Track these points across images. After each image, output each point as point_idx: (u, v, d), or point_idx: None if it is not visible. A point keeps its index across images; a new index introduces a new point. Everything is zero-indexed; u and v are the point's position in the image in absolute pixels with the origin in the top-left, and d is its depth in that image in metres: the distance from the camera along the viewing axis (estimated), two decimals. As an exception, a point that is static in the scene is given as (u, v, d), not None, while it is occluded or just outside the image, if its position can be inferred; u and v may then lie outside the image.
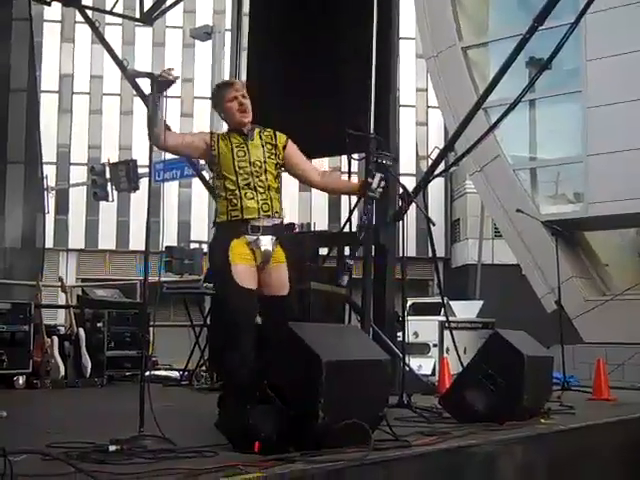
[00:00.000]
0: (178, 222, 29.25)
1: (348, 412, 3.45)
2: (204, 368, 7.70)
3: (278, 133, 4.53)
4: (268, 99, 8.62)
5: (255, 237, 4.16)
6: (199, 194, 27.14)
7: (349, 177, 8.54)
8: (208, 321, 7.89)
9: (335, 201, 26.89)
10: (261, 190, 4.23)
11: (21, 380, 7.27)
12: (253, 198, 4.18)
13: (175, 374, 8.29)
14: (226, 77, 13.55)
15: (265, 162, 4.31)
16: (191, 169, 15.13)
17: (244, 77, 9.52)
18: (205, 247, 14.44)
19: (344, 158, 10.98)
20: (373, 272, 7.44)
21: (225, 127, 4.55)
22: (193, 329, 8.04)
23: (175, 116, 29.26)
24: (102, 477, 2.60)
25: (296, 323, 3.65)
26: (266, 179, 4.27)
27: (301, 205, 28.06)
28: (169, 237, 27.08)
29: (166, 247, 15.70)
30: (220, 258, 4.15)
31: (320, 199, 27.79)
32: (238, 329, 4.06)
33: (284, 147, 4.45)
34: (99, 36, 12.24)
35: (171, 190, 28.53)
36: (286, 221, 9.23)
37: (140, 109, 25.27)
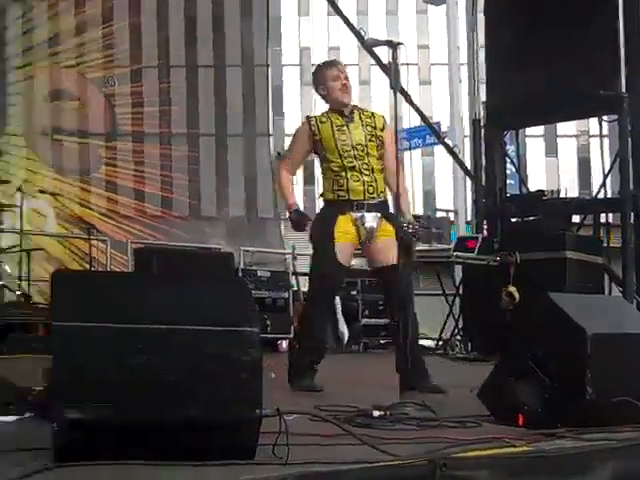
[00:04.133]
0: (423, 191, 29.34)
1: (617, 388, 3.27)
2: (459, 337, 7.67)
3: (376, 114, 4.55)
4: (508, 62, 8.37)
5: (360, 214, 4.30)
6: (442, 161, 27.08)
7: (601, 140, 8.06)
8: (461, 291, 7.84)
9: (585, 166, 25.71)
10: (366, 172, 4.33)
11: (284, 344, 7.64)
12: (359, 180, 4.29)
13: (429, 343, 8.32)
14: (463, 42, 13.26)
15: (367, 145, 4.37)
16: (433, 136, 15.04)
17: (482, 40, 9.28)
18: (452, 215, 14.33)
19: (592, 121, 10.46)
20: (634, 240, 7.03)
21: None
22: (446, 298, 8.03)
23: (414, 84, 29.29)
24: (370, 441, 2.63)
25: (556, 294, 3.50)
26: (369, 161, 4.35)
27: (548, 171, 27.06)
28: (415, 206, 27.28)
29: (412, 216, 15.74)
30: (326, 232, 4.32)
31: (569, 164, 26.66)
32: (322, 293, 4.41)
33: (382, 129, 4.46)
34: (335, 7, 12.45)
35: (414, 158, 28.62)
36: (533, 188, 9.01)
37: (378, 77, 25.55)
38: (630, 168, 7.36)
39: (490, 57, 8.79)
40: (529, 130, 19.99)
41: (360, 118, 4.45)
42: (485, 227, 8.40)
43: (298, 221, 4.35)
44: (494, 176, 8.62)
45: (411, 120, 14.54)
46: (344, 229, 4.32)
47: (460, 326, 7.73)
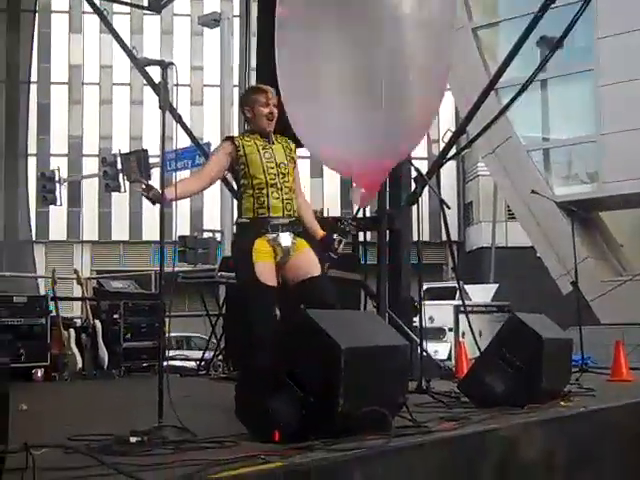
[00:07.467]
0: (191, 211, 29.27)
1: (368, 399, 3.43)
2: (221, 357, 7.71)
3: (287, 139, 4.73)
4: (276, 83, 8.58)
5: (275, 235, 4.41)
6: (211, 183, 27.08)
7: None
8: (224, 310, 7.89)
9: (347, 187, 26.82)
10: (286, 190, 4.48)
11: (39, 373, 7.28)
12: (279, 198, 4.43)
13: (192, 364, 8.29)
14: (236, 64, 13.48)
15: (287, 165, 4.55)
16: (202, 157, 15.11)
17: (254, 63, 9.47)
18: (218, 236, 14.41)
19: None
20: (388, 257, 7.41)
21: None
22: (209, 318, 8.05)
23: (185, 104, 29.25)
24: (125, 469, 2.58)
25: (313, 310, 3.63)
26: (288, 181, 4.52)
27: (313, 191, 27.97)
28: (182, 227, 27.08)
29: (179, 237, 15.70)
30: (245, 256, 4.38)
31: (332, 185, 27.75)
32: (258, 324, 4.32)
33: (295, 152, 4.69)
34: (107, 25, 12.18)
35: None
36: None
37: (150, 98, 25.24)
38: (387, 188, 7.75)
39: (260, 78, 8.96)
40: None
41: (278, 141, 4.62)
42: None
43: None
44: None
45: (181, 141, 14.53)
46: (261, 249, 4.39)
47: (222, 346, 7.76)
